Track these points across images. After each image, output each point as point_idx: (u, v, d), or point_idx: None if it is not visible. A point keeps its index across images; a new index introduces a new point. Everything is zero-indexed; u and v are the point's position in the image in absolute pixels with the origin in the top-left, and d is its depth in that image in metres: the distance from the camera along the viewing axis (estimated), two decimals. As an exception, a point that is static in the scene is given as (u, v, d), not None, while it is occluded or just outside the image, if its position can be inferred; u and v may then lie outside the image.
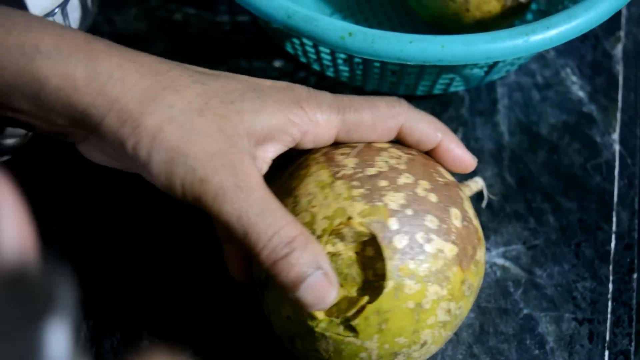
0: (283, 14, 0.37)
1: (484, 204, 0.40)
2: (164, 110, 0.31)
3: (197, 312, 0.40)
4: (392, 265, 0.31)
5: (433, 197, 0.33)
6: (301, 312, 0.32)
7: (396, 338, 0.32)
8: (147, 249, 0.41)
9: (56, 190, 0.43)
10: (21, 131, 0.41)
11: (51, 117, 0.32)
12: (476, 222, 0.35)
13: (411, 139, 0.35)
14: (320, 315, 0.32)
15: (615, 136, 0.46)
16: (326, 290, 0.30)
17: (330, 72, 0.46)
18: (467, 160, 0.36)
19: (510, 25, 0.46)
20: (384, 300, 0.31)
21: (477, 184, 0.39)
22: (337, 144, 0.35)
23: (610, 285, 0.41)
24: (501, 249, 0.42)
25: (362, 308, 0.31)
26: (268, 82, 0.34)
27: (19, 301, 0.17)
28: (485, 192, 0.39)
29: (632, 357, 0.40)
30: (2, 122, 0.33)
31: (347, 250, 0.32)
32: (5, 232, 0.19)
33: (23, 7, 0.41)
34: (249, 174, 0.31)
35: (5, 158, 0.43)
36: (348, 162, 0.34)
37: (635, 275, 0.42)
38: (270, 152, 0.33)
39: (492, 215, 0.43)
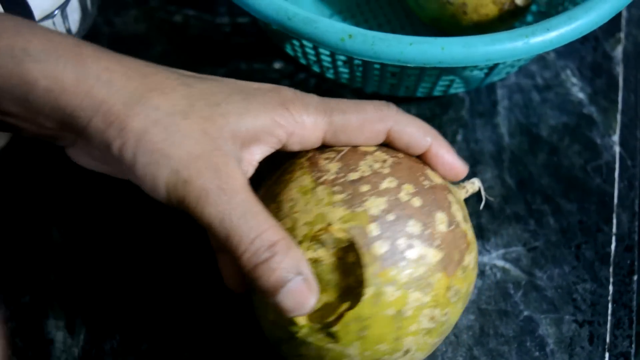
0: (283, 16, 0.37)
1: (482, 205, 0.40)
2: (150, 112, 0.31)
3: (195, 314, 0.40)
4: (372, 272, 0.31)
5: (417, 202, 0.33)
6: (284, 317, 0.32)
7: (377, 345, 0.32)
8: (147, 254, 0.41)
9: (53, 193, 0.43)
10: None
11: (39, 119, 0.32)
12: (465, 226, 0.34)
13: (400, 143, 0.35)
14: (301, 321, 0.32)
15: (616, 138, 0.46)
16: (306, 296, 0.30)
17: (330, 74, 0.46)
18: (457, 166, 0.35)
19: (509, 27, 0.46)
20: (363, 307, 0.31)
21: (474, 185, 0.38)
22: (324, 148, 0.35)
23: (611, 287, 0.41)
24: (501, 251, 0.42)
25: (342, 315, 0.31)
26: (255, 85, 0.34)
27: None
28: (483, 193, 0.39)
29: (633, 359, 0.40)
30: None
31: (328, 256, 0.32)
32: None
33: (26, 7, 0.41)
34: (233, 177, 0.31)
35: None
36: (331, 166, 0.33)
37: (635, 277, 0.42)
38: (257, 154, 0.33)
39: (492, 217, 0.43)
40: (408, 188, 0.33)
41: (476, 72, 0.43)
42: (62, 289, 0.40)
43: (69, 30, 0.44)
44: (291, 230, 0.32)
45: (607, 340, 0.40)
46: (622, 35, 0.50)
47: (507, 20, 0.45)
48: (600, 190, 0.44)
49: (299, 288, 0.30)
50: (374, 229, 0.31)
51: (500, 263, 0.42)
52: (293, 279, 0.30)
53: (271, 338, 0.34)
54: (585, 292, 0.41)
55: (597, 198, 0.44)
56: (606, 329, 0.40)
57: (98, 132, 0.31)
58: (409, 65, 0.37)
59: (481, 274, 0.41)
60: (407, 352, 0.32)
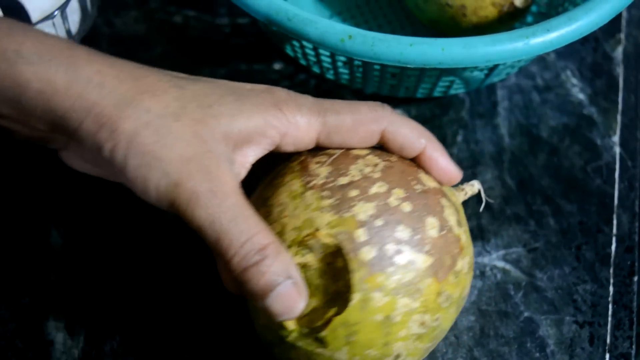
0: (283, 17, 0.37)
1: (482, 208, 0.40)
2: (141, 114, 0.31)
3: (194, 316, 0.40)
4: (359, 277, 0.31)
5: (407, 207, 0.32)
6: (274, 322, 0.32)
7: (366, 350, 0.32)
8: (147, 256, 0.41)
9: (52, 195, 0.43)
10: None
11: (32, 121, 0.32)
12: (459, 231, 0.34)
13: (394, 145, 0.34)
14: (290, 325, 0.32)
15: (616, 138, 0.46)
16: (295, 300, 0.30)
17: (330, 75, 0.46)
18: (450, 171, 0.35)
19: (508, 28, 0.46)
20: (350, 313, 0.31)
21: (474, 187, 0.38)
22: (317, 150, 0.34)
23: (611, 288, 0.41)
24: (501, 252, 0.42)
25: (330, 320, 0.31)
26: (248, 86, 0.34)
27: None
28: (483, 196, 0.39)
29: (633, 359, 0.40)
30: None
31: (317, 261, 0.32)
32: None
33: (21, 10, 0.41)
34: (224, 180, 0.31)
35: None
36: (321, 171, 0.33)
37: (635, 278, 0.42)
38: (250, 156, 0.33)
39: (492, 218, 0.43)
40: (398, 193, 0.32)
41: (476, 73, 0.43)
42: (62, 290, 0.40)
43: (68, 31, 0.44)
44: (280, 235, 0.32)
45: (608, 341, 0.40)
46: (622, 36, 0.50)
47: (507, 22, 0.45)
48: (601, 191, 0.44)
49: (289, 292, 0.30)
50: (361, 235, 0.31)
51: (501, 264, 0.42)
52: (282, 282, 0.30)
53: (264, 341, 0.34)
54: (586, 293, 0.41)
55: (597, 199, 0.44)
56: (607, 330, 0.40)
57: (89, 135, 0.31)
58: (409, 66, 0.37)
59: (481, 275, 0.41)
60: (397, 357, 0.32)
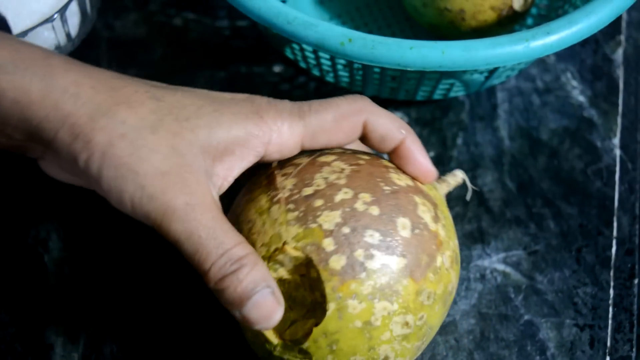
0: (283, 20, 0.37)
1: (468, 196, 0.39)
2: (116, 125, 0.31)
3: (194, 320, 0.39)
4: (331, 287, 0.31)
5: (375, 210, 0.32)
6: (259, 337, 0.32)
7: (351, 357, 0.31)
8: (146, 259, 0.41)
9: (52, 198, 0.43)
10: None
11: (7, 130, 0.32)
12: (436, 227, 0.33)
13: (375, 135, 0.34)
14: (274, 339, 0.32)
15: (616, 141, 0.46)
16: (272, 308, 0.30)
17: (330, 78, 0.46)
18: (425, 166, 0.34)
19: (508, 31, 0.46)
20: (329, 323, 0.31)
21: (456, 177, 0.37)
22: (285, 162, 0.34)
23: (611, 291, 0.41)
24: (502, 255, 0.42)
25: (310, 331, 0.31)
26: (228, 95, 0.33)
27: None
28: (468, 183, 0.37)
29: (634, 363, 0.40)
30: None
31: (291, 275, 0.32)
32: None
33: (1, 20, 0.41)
34: (202, 193, 0.31)
35: None
36: (287, 183, 0.33)
37: (636, 281, 0.42)
38: (234, 169, 0.32)
39: (492, 221, 0.43)
40: (365, 197, 0.32)
41: (476, 76, 0.43)
42: (62, 294, 0.40)
43: (68, 34, 0.44)
44: None
45: (608, 344, 0.40)
46: (622, 37, 0.50)
47: (506, 25, 0.45)
48: (601, 194, 0.44)
49: (266, 300, 0.30)
50: (328, 244, 0.31)
51: (501, 267, 0.42)
52: (260, 290, 0.30)
53: (258, 354, 0.34)
54: (586, 295, 0.41)
55: (597, 201, 0.44)
56: (607, 333, 0.40)
57: (64, 145, 0.31)
58: (409, 69, 0.37)
59: (481, 277, 0.41)
60: (386, 359, 0.32)
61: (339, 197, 0.32)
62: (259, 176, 0.35)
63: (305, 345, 0.31)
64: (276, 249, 0.31)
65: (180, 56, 0.48)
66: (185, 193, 0.30)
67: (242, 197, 0.34)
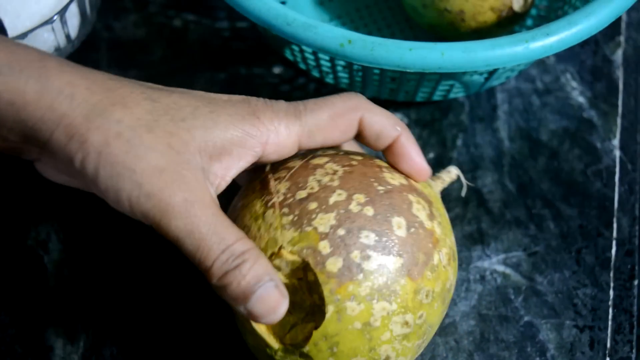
0: (282, 22, 0.37)
1: (463, 192, 0.39)
2: (111, 125, 0.30)
3: (195, 322, 0.39)
4: (329, 289, 0.31)
5: (369, 211, 0.32)
6: (260, 341, 0.32)
7: (352, 359, 0.31)
8: (146, 261, 0.41)
9: (52, 200, 0.43)
10: None
11: (3, 132, 0.32)
12: (432, 224, 0.33)
13: (370, 132, 0.34)
14: (275, 344, 0.32)
15: (616, 142, 0.46)
16: (277, 301, 0.30)
17: (329, 79, 0.46)
18: (419, 163, 0.34)
19: (508, 32, 0.46)
20: (328, 325, 0.31)
21: (450, 173, 0.37)
22: (278, 166, 0.34)
23: (611, 292, 0.41)
24: (501, 256, 0.42)
25: (310, 334, 0.31)
26: (224, 97, 0.33)
27: None
28: (463, 180, 0.37)
29: (633, 364, 0.40)
30: None
31: (289, 278, 0.32)
32: None
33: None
34: (201, 190, 0.31)
35: None
36: (281, 187, 0.33)
37: (636, 282, 0.42)
38: (232, 169, 0.32)
39: (492, 222, 0.43)
40: (359, 198, 0.32)
41: (476, 77, 0.43)
42: (62, 295, 0.40)
43: (68, 36, 0.44)
44: None
45: (608, 345, 0.40)
46: (622, 38, 0.50)
47: (506, 26, 0.45)
48: (601, 195, 0.44)
49: (271, 293, 0.30)
50: (324, 247, 0.31)
51: (501, 268, 0.42)
52: (264, 284, 0.30)
53: (258, 358, 0.34)
54: (586, 297, 0.41)
55: (597, 202, 0.44)
56: (607, 334, 0.40)
57: (60, 146, 0.31)
58: (408, 70, 0.37)
59: (481, 279, 0.41)
60: (387, 359, 0.32)
61: (333, 199, 0.32)
62: (253, 181, 0.35)
63: (306, 349, 0.31)
64: (272, 254, 0.31)
65: (180, 57, 0.48)
66: (184, 190, 0.30)
67: (236, 203, 0.34)
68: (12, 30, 0.42)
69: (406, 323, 0.32)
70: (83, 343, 0.39)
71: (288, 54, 0.46)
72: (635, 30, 0.50)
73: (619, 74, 0.48)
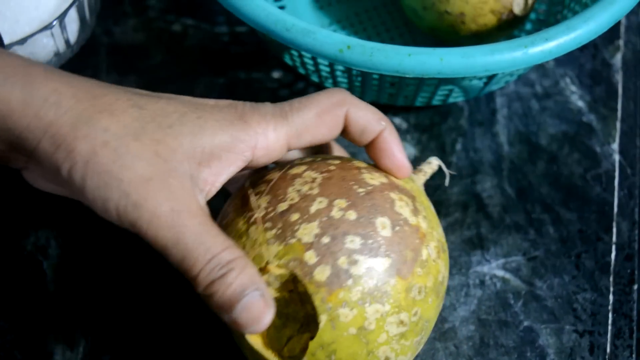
0: (281, 27, 0.37)
1: (446, 182, 0.39)
2: (98, 134, 0.30)
3: (194, 329, 0.39)
4: (320, 299, 0.31)
5: (352, 215, 0.32)
6: (258, 356, 0.32)
7: None
8: (146, 266, 0.41)
9: (51, 205, 0.43)
10: None
11: None
12: (416, 220, 0.33)
13: (356, 128, 0.34)
14: (272, 358, 0.32)
15: (615, 146, 0.46)
16: (262, 310, 0.30)
17: (329, 84, 0.46)
18: (399, 159, 0.34)
19: (507, 36, 0.46)
20: (323, 334, 0.31)
21: (432, 164, 0.37)
22: (257, 180, 0.34)
23: (611, 297, 0.41)
24: (501, 261, 0.42)
25: (307, 345, 0.31)
26: (211, 102, 0.33)
27: None
28: (445, 169, 0.37)
29: (633, 368, 0.40)
30: None
31: (280, 292, 0.32)
32: None
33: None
34: (188, 199, 0.30)
35: None
36: (261, 201, 0.33)
37: (635, 287, 0.42)
38: (222, 174, 0.32)
39: (491, 227, 0.43)
40: (340, 204, 0.32)
41: (475, 82, 0.43)
42: (61, 301, 0.40)
43: (67, 41, 0.44)
44: None
45: (608, 350, 0.40)
46: (621, 42, 0.50)
47: (506, 29, 0.45)
48: (600, 199, 0.44)
49: (256, 302, 0.30)
50: (311, 257, 0.31)
51: (500, 273, 0.42)
52: (250, 293, 0.30)
53: None
54: (586, 301, 0.41)
55: (597, 207, 0.44)
56: (607, 339, 0.40)
57: (47, 155, 0.31)
58: (407, 76, 0.37)
59: (481, 284, 0.41)
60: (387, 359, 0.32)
61: (314, 207, 0.32)
62: (233, 198, 0.35)
63: None
64: (260, 270, 0.31)
65: (180, 62, 0.48)
66: (171, 199, 0.30)
67: (220, 222, 0.34)
68: (11, 36, 0.42)
69: (401, 322, 0.32)
70: (82, 349, 0.39)
71: (287, 59, 0.46)
72: (635, 34, 0.50)
73: (618, 78, 0.48)
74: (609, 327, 0.40)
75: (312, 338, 0.31)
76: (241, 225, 0.33)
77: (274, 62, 0.48)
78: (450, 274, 0.41)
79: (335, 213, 0.32)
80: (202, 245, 0.30)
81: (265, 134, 0.32)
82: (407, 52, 0.37)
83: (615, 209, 0.44)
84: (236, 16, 0.39)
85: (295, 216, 0.32)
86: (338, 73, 0.43)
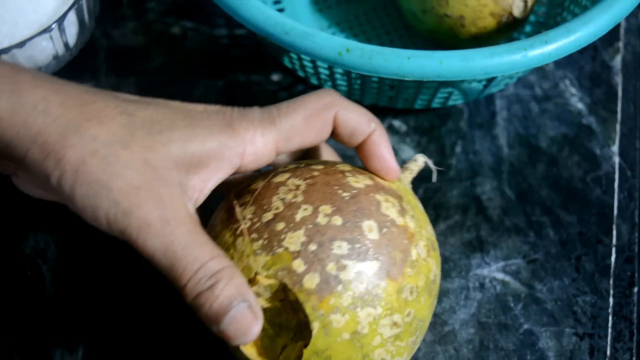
0: (280, 30, 0.37)
1: (434, 178, 0.38)
2: (87, 142, 0.30)
3: (193, 334, 0.39)
4: (311, 306, 0.31)
5: (338, 220, 0.32)
6: None
7: None
8: (146, 271, 0.41)
9: (50, 208, 0.43)
10: None
11: None
12: (404, 220, 0.33)
13: (345, 130, 0.34)
14: None
15: (615, 148, 0.46)
16: (249, 322, 0.30)
17: (328, 86, 0.46)
18: (388, 161, 0.34)
19: (507, 38, 0.46)
20: (317, 342, 0.31)
21: (418, 162, 0.37)
22: (242, 192, 0.34)
23: (611, 300, 0.41)
24: (501, 264, 0.42)
25: (301, 353, 0.31)
26: (200, 108, 0.33)
27: None
28: (431, 166, 0.37)
29: (634, 371, 0.40)
30: None
31: (270, 302, 0.32)
32: None
33: None
34: (177, 207, 0.30)
35: None
36: (247, 212, 0.33)
37: (635, 289, 0.42)
38: (210, 181, 0.32)
39: (491, 229, 0.43)
40: (325, 209, 0.32)
41: (475, 84, 0.43)
42: (60, 304, 0.40)
43: (66, 44, 0.44)
44: None
45: (608, 353, 0.40)
46: (620, 44, 0.50)
47: (505, 32, 0.45)
48: (600, 202, 0.44)
49: (243, 314, 0.30)
50: (299, 265, 0.31)
51: (500, 276, 0.41)
52: (237, 305, 0.30)
53: None
54: (586, 304, 0.41)
55: (596, 209, 0.44)
56: (607, 342, 0.40)
57: (36, 164, 0.30)
58: (406, 79, 0.37)
59: (481, 286, 0.41)
60: None
61: (299, 215, 0.32)
62: (219, 210, 0.34)
63: None
64: (249, 281, 0.31)
65: (179, 65, 0.48)
66: (160, 207, 0.30)
67: (207, 235, 0.34)
68: (10, 39, 0.42)
69: (395, 324, 0.32)
70: (82, 352, 0.39)
71: (286, 62, 0.46)
72: (634, 36, 0.50)
73: (618, 80, 0.48)
74: (609, 330, 0.40)
75: (306, 346, 0.31)
76: (228, 237, 0.33)
77: (273, 64, 0.48)
78: (450, 276, 0.41)
79: (321, 219, 0.32)
80: (191, 254, 0.30)
81: (253, 140, 0.32)
82: (406, 55, 0.37)
83: (615, 212, 0.44)
84: (235, 19, 0.39)
85: (280, 225, 0.32)
86: (337, 76, 0.43)
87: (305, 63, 0.43)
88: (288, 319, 0.32)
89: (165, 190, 0.30)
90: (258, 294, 0.31)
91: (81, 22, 0.45)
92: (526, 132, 0.46)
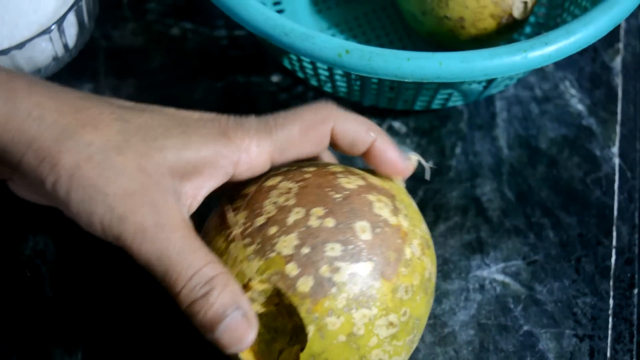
0: (280, 32, 0.37)
1: (427, 176, 0.38)
2: (82, 148, 0.30)
3: (192, 336, 0.39)
4: (305, 309, 0.30)
5: (330, 222, 0.32)
6: None
7: None
8: (145, 273, 0.41)
9: (49, 210, 0.43)
10: None
11: None
12: (397, 219, 0.33)
13: (344, 142, 0.34)
14: None
15: (615, 149, 0.46)
16: (244, 330, 0.30)
17: (327, 88, 0.46)
18: (399, 162, 0.34)
19: (507, 39, 0.46)
20: (313, 345, 0.31)
21: (410, 160, 0.36)
22: (234, 196, 0.34)
23: (611, 301, 0.41)
24: (501, 265, 0.42)
25: (298, 357, 0.31)
26: (195, 115, 0.33)
27: None
28: (424, 163, 0.37)
29: (634, 373, 0.40)
30: None
31: (265, 307, 0.32)
32: None
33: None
34: (171, 213, 0.30)
35: None
36: (239, 217, 0.33)
37: (636, 291, 0.42)
38: (203, 188, 0.32)
39: (491, 231, 0.43)
40: (317, 212, 0.32)
41: (474, 86, 0.43)
42: (60, 305, 0.40)
43: (66, 45, 0.44)
44: None
45: (608, 354, 0.40)
46: (620, 45, 0.50)
47: (505, 33, 0.45)
48: (600, 203, 0.44)
49: (238, 322, 0.30)
50: (292, 269, 0.31)
51: (500, 277, 0.41)
52: (231, 313, 0.30)
53: None
54: (586, 306, 0.41)
55: (596, 211, 0.44)
56: (607, 344, 0.40)
57: (31, 169, 0.31)
58: (406, 80, 0.37)
59: (480, 288, 0.41)
60: None
61: (291, 218, 0.32)
62: (213, 216, 0.34)
63: None
64: (243, 287, 0.31)
65: (178, 66, 0.48)
66: (154, 213, 0.30)
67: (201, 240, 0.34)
68: (10, 40, 0.42)
69: (391, 324, 0.32)
70: (81, 353, 0.39)
71: (286, 63, 0.46)
72: (634, 37, 0.50)
73: (618, 81, 0.48)
74: (609, 332, 0.40)
75: (302, 350, 0.31)
76: (221, 243, 0.32)
77: (273, 65, 0.48)
78: (450, 278, 0.41)
79: (313, 222, 0.32)
80: (185, 260, 0.30)
81: (247, 150, 0.33)
82: (405, 56, 0.37)
83: (615, 213, 0.44)
84: (235, 20, 0.39)
85: (273, 229, 0.32)
86: (337, 77, 0.43)
87: (305, 64, 0.43)
88: (284, 323, 0.32)
89: (160, 196, 0.31)
90: (252, 299, 0.31)
91: (81, 23, 0.45)
92: (526, 133, 0.46)
